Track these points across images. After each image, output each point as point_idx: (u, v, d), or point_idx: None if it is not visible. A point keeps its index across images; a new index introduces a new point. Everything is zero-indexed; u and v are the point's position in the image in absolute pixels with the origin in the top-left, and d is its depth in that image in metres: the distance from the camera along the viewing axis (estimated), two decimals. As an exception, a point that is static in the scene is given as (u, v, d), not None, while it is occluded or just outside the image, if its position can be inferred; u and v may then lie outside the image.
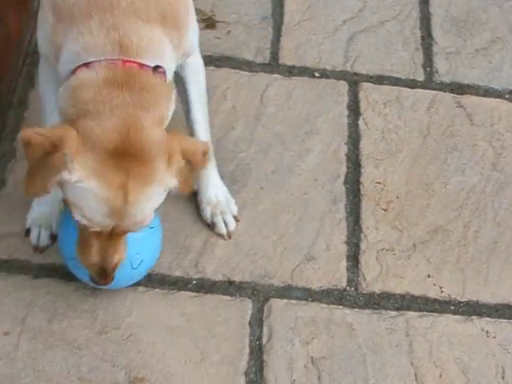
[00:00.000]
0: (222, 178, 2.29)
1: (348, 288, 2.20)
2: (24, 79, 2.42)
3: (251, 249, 2.23)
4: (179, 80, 2.09)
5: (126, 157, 1.69)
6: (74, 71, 1.76)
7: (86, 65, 1.75)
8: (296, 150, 2.41)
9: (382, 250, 2.25)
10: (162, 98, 1.77)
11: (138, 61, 1.75)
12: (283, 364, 2.07)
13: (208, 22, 2.65)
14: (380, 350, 2.10)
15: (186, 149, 1.77)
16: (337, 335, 2.12)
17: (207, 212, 2.25)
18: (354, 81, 2.56)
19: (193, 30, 1.98)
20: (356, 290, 2.19)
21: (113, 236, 1.81)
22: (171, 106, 1.81)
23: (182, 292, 2.16)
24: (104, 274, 1.87)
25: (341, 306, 2.16)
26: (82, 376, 2.02)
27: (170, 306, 2.13)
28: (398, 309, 2.17)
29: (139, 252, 2.02)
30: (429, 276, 2.22)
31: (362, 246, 2.26)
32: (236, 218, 2.26)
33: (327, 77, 2.57)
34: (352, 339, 2.11)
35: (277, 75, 2.56)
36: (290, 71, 2.58)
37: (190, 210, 2.27)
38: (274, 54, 2.61)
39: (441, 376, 2.07)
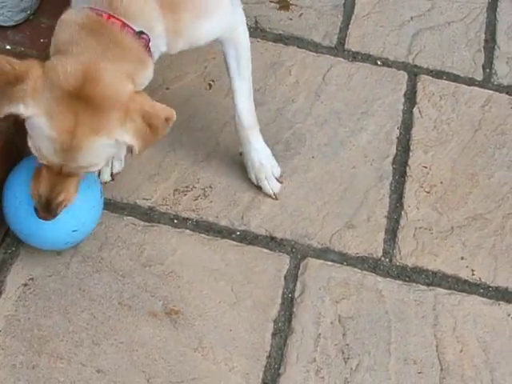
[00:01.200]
0: (278, 143, 2.42)
1: (383, 258, 2.29)
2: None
3: (295, 210, 2.35)
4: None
5: (78, 101, 1.74)
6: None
7: (78, 9, 1.83)
8: (350, 127, 2.53)
9: (420, 228, 2.34)
10: (132, 56, 1.81)
11: (123, 19, 1.80)
12: (311, 318, 2.17)
13: (282, 4, 2.79)
14: (406, 318, 2.19)
15: (147, 111, 1.79)
16: (366, 299, 2.21)
17: (252, 176, 2.36)
18: (413, 72, 2.67)
19: (221, 18, 2.02)
20: (390, 261, 2.29)
21: (62, 174, 1.87)
22: (146, 72, 1.86)
23: (226, 240, 2.28)
24: (47, 208, 1.93)
25: (373, 274, 2.26)
26: (122, 301, 2.16)
27: (212, 251, 2.26)
28: (428, 284, 2.25)
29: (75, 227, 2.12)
30: (462, 258, 2.30)
31: (402, 222, 2.35)
32: (279, 180, 2.36)
33: (389, 66, 2.68)
34: (380, 304, 2.21)
35: (341, 59, 2.69)
36: (354, 57, 2.70)
37: (243, 167, 2.39)
38: (341, 40, 2.74)
39: (461, 351, 2.15)
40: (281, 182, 2.37)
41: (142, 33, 1.83)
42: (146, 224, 2.28)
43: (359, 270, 2.26)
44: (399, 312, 2.20)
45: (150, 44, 1.85)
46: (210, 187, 2.37)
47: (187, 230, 2.29)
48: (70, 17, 1.82)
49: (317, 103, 2.57)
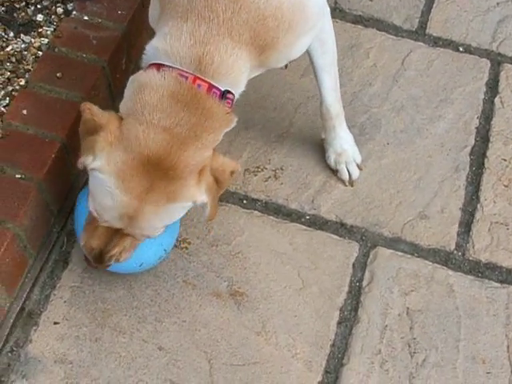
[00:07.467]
0: (352, 127, 2.35)
1: (455, 252, 2.22)
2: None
3: (368, 197, 2.29)
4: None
5: (156, 170, 1.68)
6: (148, 66, 1.76)
7: (158, 66, 1.72)
8: (428, 114, 2.45)
9: (496, 223, 2.26)
10: (218, 125, 1.74)
11: (210, 82, 1.71)
12: (378, 308, 2.12)
13: (364, -16, 2.73)
14: (476, 315, 2.12)
15: (215, 167, 1.76)
16: (436, 293, 2.15)
17: (331, 160, 2.31)
18: (497, 61, 2.56)
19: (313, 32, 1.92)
20: (463, 255, 2.21)
21: (120, 232, 1.80)
22: (227, 129, 1.79)
23: (295, 224, 2.24)
24: (98, 260, 1.87)
25: (445, 267, 2.19)
26: (187, 280, 2.14)
27: (280, 234, 2.22)
28: (501, 281, 2.17)
29: (138, 259, 2.01)
30: (539, 257, 2.22)
31: (477, 215, 2.27)
32: (359, 167, 2.31)
33: (471, 53, 2.59)
34: (450, 299, 2.14)
35: (421, 43, 2.60)
36: (435, 42, 2.61)
37: (315, 149, 2.35)
38: (422, 24, 2.65)
39: (534, 353, 2.08)
40: (360, 169, 2.31)
41: (227, 91, 1.75)
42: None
43: (430, 263, 2.19)
44: (470, 308, 2.13)
45: (235, 97, 1.79)
46: (281, 169, 2.33)
47: (256, 212, 2.25)
48: (155, 81, 1.70)
49: (394, 88, 2.50)
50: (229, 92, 1.75)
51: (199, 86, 1.70)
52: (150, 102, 1.69)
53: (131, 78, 1.78)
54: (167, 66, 1.71)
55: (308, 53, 2.08)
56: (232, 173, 1.81)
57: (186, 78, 1.70)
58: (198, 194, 1.74)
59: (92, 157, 1.70)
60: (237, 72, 1.74)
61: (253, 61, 1.76)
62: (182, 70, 1.70)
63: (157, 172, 1.68)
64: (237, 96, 1.80)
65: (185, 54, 1.70)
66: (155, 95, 1.69)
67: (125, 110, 1.74)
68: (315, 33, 1.94)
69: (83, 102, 2.10)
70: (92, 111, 1.72)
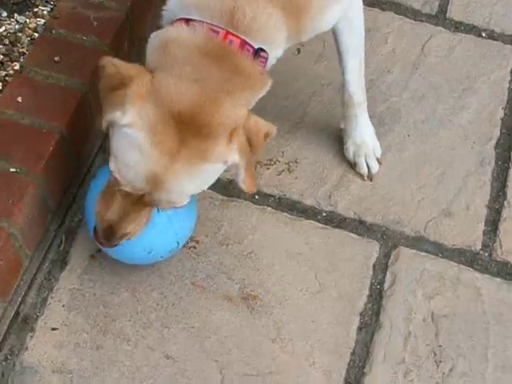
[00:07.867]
0: (371, 117, 2.19)
1: (481, 252, 2.08)
2: None
3: (388, 193, 2.15)
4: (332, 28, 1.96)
5: (188, 126, 1.56)
6: (173, 22, 1.65)
7: (187, 21, 1.63)
8: (450, 104, 2.30)
9: (525, 221, 2.13)
10: (251, 85, 1.65)
11: (243, 37, 1.62)
12: (401, 313, 1.98)
13: (380, -35, 2.57)
14: (506, 321, 1.98)
15: (249, 127, 1.63)
16: (462, 296, 2.01)
17: (350, 151, 2.17)
18: (522, 47, 2.44)
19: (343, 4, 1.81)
20: (490, 255, 2.07)
21: (140, 203, 1.67)
22: (263, 92, 1.69)
23: (310, 221, 2.10)
24: (110, 235, 1.73)
25: (471, 269, 2.05)
26: (195, 282, 1.99)
27: (295, 232, 2.08)
28: (531, 284, 2.05)
29: (149, 244, 1.87)
30: None
31: (504, 213, 2.13)
32: (379, 161, 2.18)
33: (494, 39, 2.45)
34: (478, 304, 2.00)
35: (441, 28, 2.46)
36: (456, 27, 2.47)
37: (332, 142, 2.21)
38: (443, 7, 2.51)
39: None
40: (380, 163, 2.17)
41: (261, 49, 1.64)
42: (225, 198, 2.10)
43: (456, 264, 2.05)
44: (498, 314, 1.99)
45: (268, 60, 1.68)
46: (296, 162, 2.18)
47: (269, 208, 2.11)
48: (184, 35, 1.61)
49: (414, 76, 2.35)
50: (262, 50, 1.63)
51: (231, 41, 1.59)
52: (180, 55, 1.59)
53: (153, 35, 1.67)
54: (195, 19, 1.60)
55: (334, 32, 1.95)
56: (266, 135, 1.68)
57: (217, 32, 1.59)
58: (229, 153, 1.61)
59: (121, 112, 1.57)
60: (271, 30, 1.63)
61: (290, 25, 1.64)
62: (213, 25, 1.59)
63: (189, 129, 1.56)
64: (272, 59, 1.68)
65: (215, 7, 1.60)
66: (184, 50, 1.59)
67: (151, 64, 1.62)
68: (345, 5, 1.81)
69: (83, 88, 1.97)
70: (116, 64, 1.59)
